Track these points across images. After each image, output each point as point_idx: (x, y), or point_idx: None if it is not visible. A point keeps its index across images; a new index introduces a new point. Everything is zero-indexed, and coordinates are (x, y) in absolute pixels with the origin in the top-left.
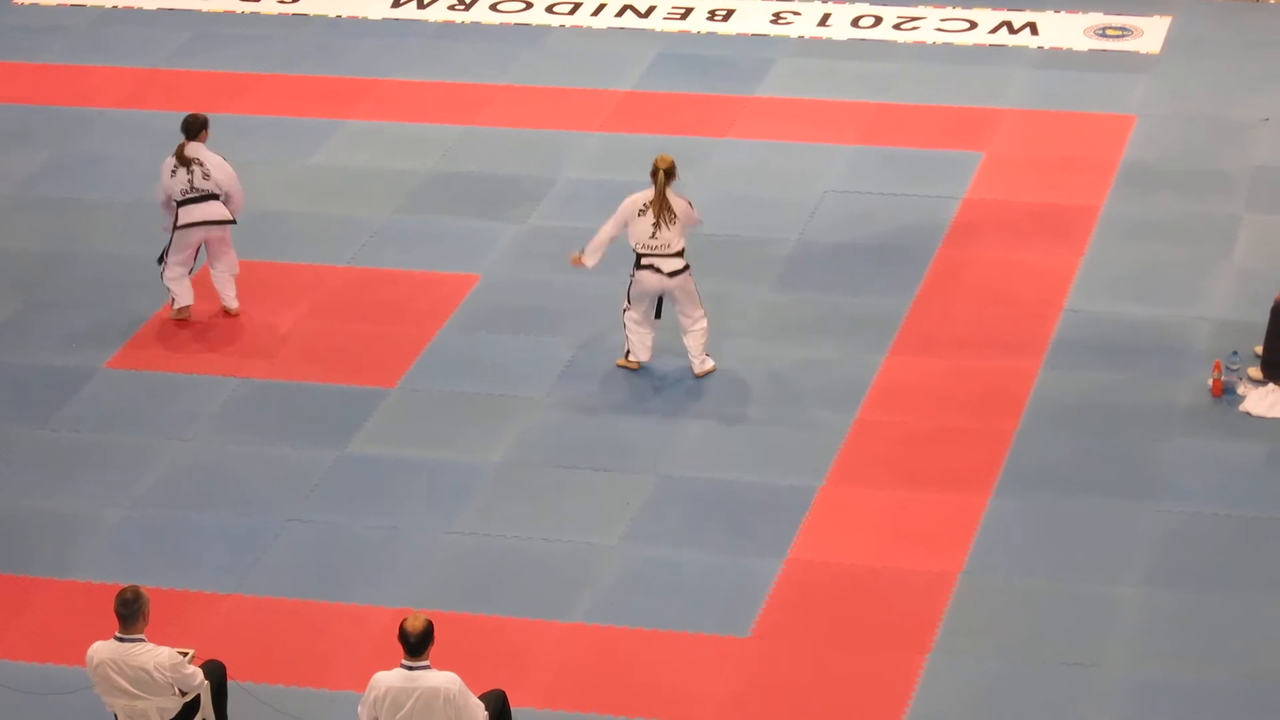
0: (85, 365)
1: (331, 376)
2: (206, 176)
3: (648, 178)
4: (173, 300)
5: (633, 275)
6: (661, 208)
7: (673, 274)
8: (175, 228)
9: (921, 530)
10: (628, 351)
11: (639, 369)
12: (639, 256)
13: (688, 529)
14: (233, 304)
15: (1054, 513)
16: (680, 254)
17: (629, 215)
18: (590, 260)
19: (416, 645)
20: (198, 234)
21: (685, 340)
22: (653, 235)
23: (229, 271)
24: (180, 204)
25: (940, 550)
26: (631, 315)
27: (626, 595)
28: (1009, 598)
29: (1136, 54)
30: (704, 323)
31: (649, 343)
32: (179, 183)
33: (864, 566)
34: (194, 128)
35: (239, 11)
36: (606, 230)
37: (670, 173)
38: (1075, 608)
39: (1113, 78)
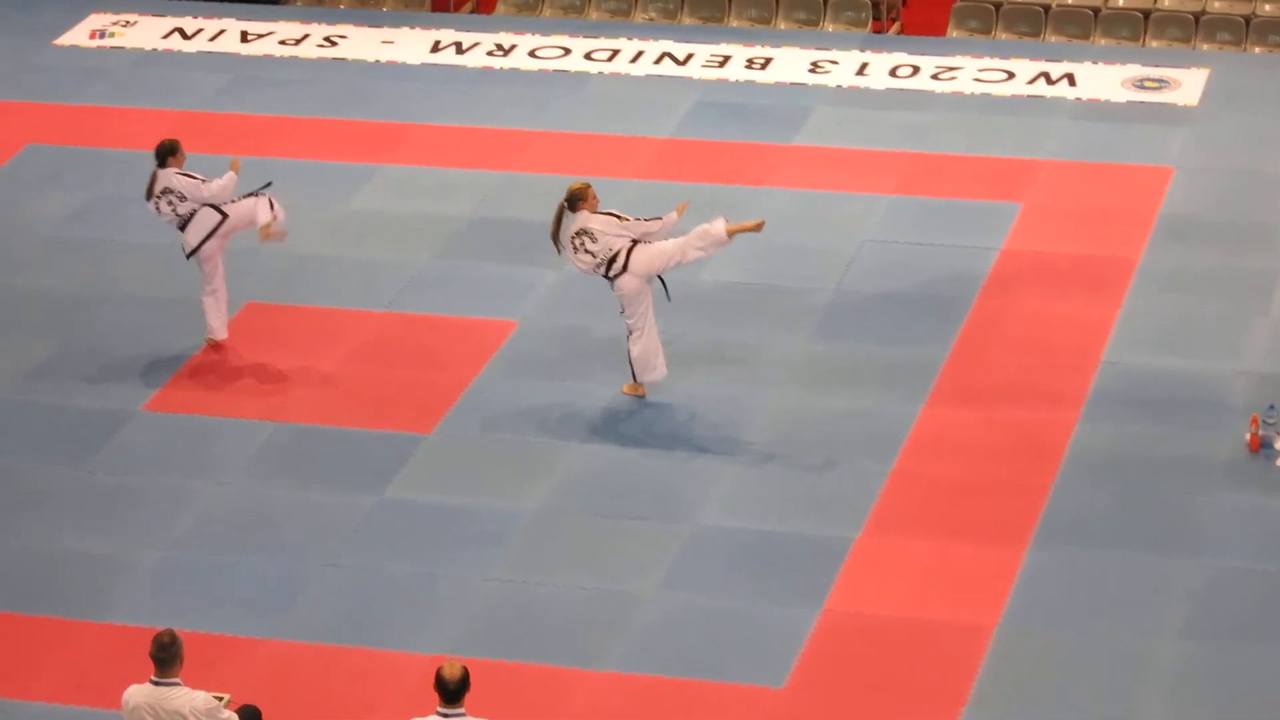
0: (122, 408)
1: (368, 421)
2: (183, 199)
3: (686, 224)
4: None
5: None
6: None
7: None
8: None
9: (958, 582)
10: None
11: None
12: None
13: (723, 578)
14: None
15: (1090, 566)
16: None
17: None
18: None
19: (454, 692)
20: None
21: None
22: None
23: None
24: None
25: (976, 603)
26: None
27: (661, 644)
28: (1045, 651)
29: (1174, 106)
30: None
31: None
32: (164, 216)
33: (900, 618)
34: (161, 155)
35: (278, 55)
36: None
37: (570, 201)
38: (1111, 662)
39: (1150, 129)
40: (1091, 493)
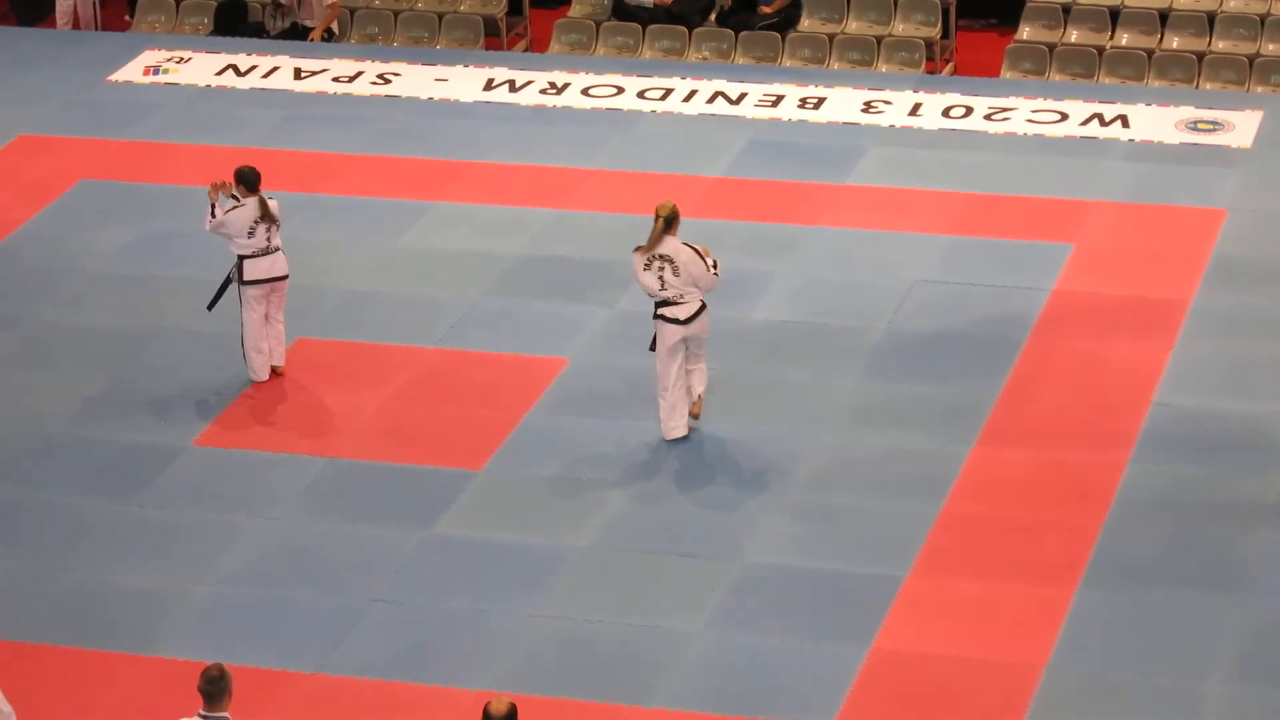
0: (173, 443)
1: (419, 458)
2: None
3: (739, 263)
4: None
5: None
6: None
7: (688, 320)
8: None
9: (1007, 622)
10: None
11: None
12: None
13: (772, 616)
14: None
15: (1141, 607)
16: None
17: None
18: None
19: None
20: (265, 289)
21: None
22: (661, 286)
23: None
24: (247, 257)
25: (1025, 643)
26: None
27: (710, 681)
28: (1094, 692)
29: (1228, 148)
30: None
31: (682, 419)
32: (257, 241)
33: (949, 657)
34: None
35: (331, 93)
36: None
37: (670, 220)
38: (1161, 703)
39: (1204, 171)
40: (1142, 534)
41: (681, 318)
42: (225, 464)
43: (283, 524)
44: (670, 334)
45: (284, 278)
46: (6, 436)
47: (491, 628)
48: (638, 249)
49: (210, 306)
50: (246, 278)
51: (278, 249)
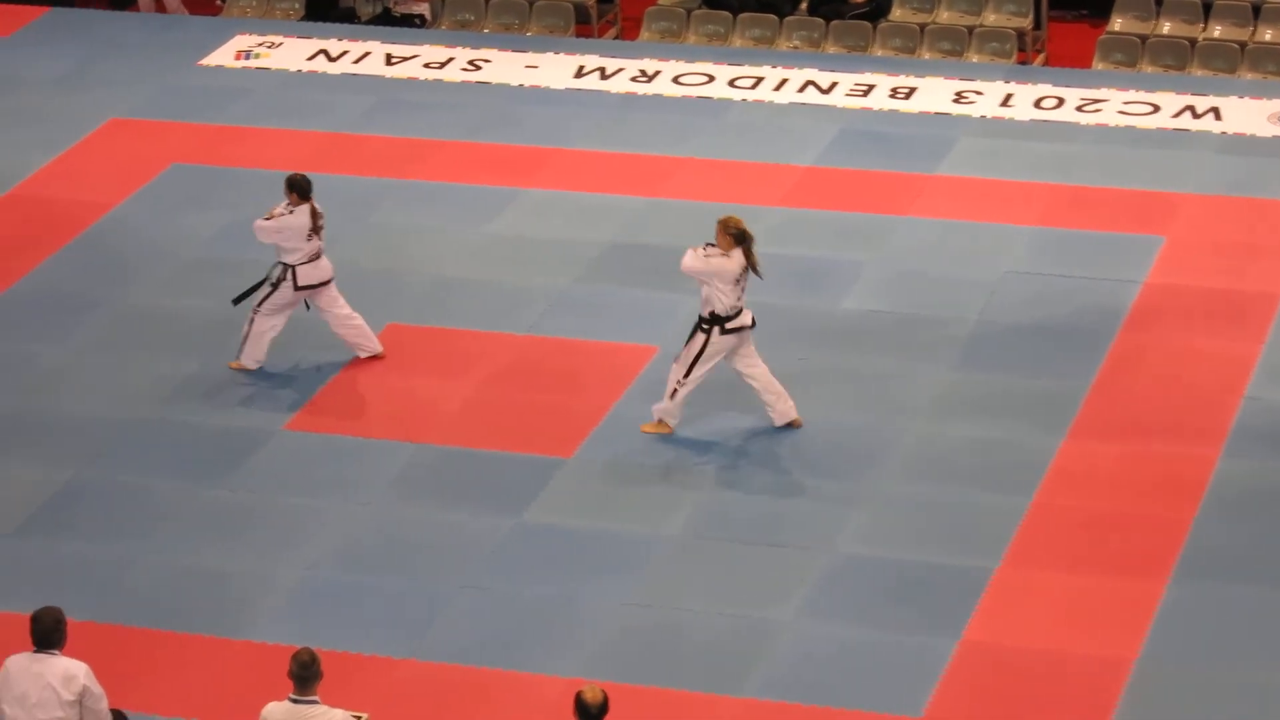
0: (263, 427)
1: (508, 445)
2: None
3: (828, 252)
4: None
5: (709, 339)
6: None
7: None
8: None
9: (1097, 615)
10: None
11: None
12: (722, 319)
13: (862, 606)
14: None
15: (1231, 601)
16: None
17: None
18: None
19: (594, 716)
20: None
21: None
22: (740, 297)
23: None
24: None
25: (1116, 636)
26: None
27: (800, 671)
28: (1184, 686)
29: None
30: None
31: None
32: (311, 247)
33: (1039, 650)
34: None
35: (422, 79)
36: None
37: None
38: (1251, 697)
39: None
40: (1232, 528)
41: (749, 323)
42: (315, 449)
43: (372, 509)
44: (734, 341)
45: (330, 279)
46: (97, 419)
47: (580, 615)
48: (739, 270)
49: (237, 301)
50: (301, 284)
51: (322, 252)
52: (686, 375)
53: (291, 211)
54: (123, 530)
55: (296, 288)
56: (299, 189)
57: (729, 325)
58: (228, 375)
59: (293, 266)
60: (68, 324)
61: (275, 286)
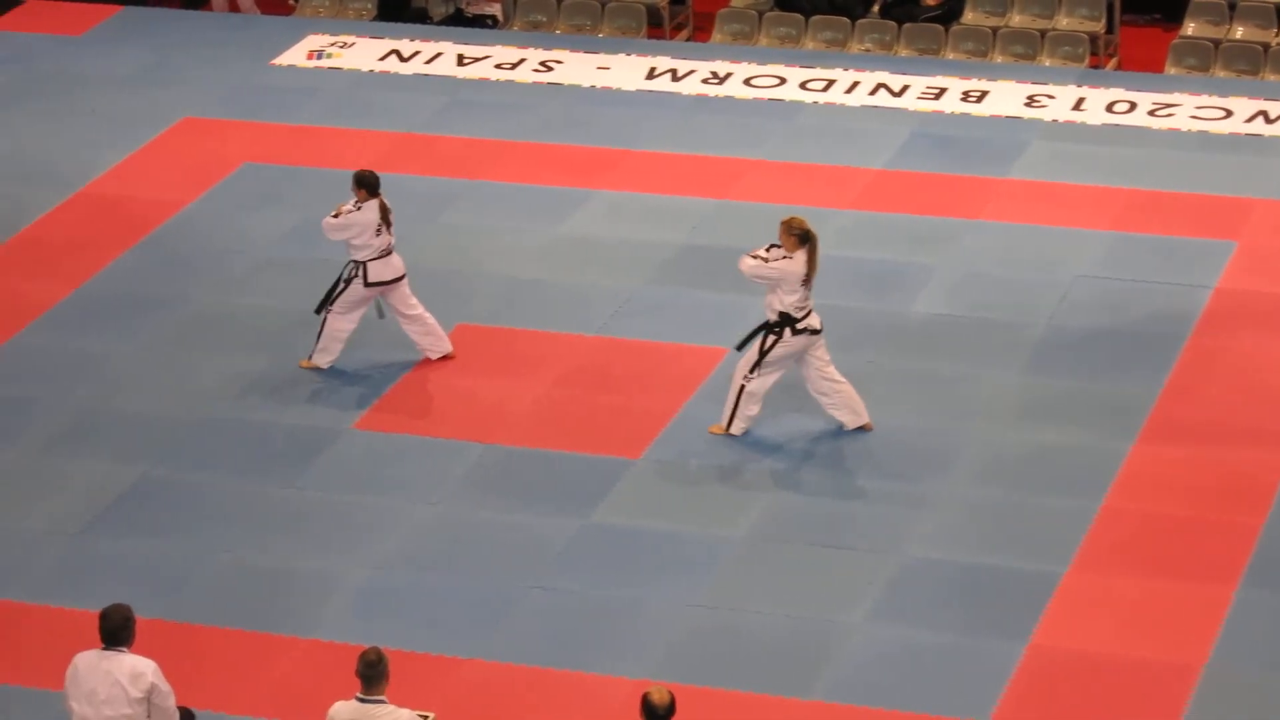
0: (332, 426)
1: (577, 445)
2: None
3: (899, 256)
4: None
5: (779, 340)
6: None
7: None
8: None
9: (1166, 620)
10: (730, 420)
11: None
12: (792, 320)
13: (930, 610)
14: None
15: None
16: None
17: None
18: None
19: (662, 718)
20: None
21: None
22: (807, 298)
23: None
24: (371, 260)
25: (1184, 641)
26: (756, 385)
27: (867, 674)
28: (1254, 691)
29: None
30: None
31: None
32: (380, 243)
33: (1107, 655)
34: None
35: (494, 79)
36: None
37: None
38: None
39: None
40: None
41: (818, 326)
42: (384, 448)
43: (441, 509)
44: (805, 343)
45: (403, 276)
46: (167, 417)
47: (648, 616)
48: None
49: (319, 310)
50: (371, 280)
51: (392, 249)
52: (751, 372)
53: (359, 208)
54: (191, 528)
55: (367, 284)
56: (367, 184)
57: (799, 326)
58: (297, 374)
59: (363, 263)
60: (138, 322)
61: (347, 284)
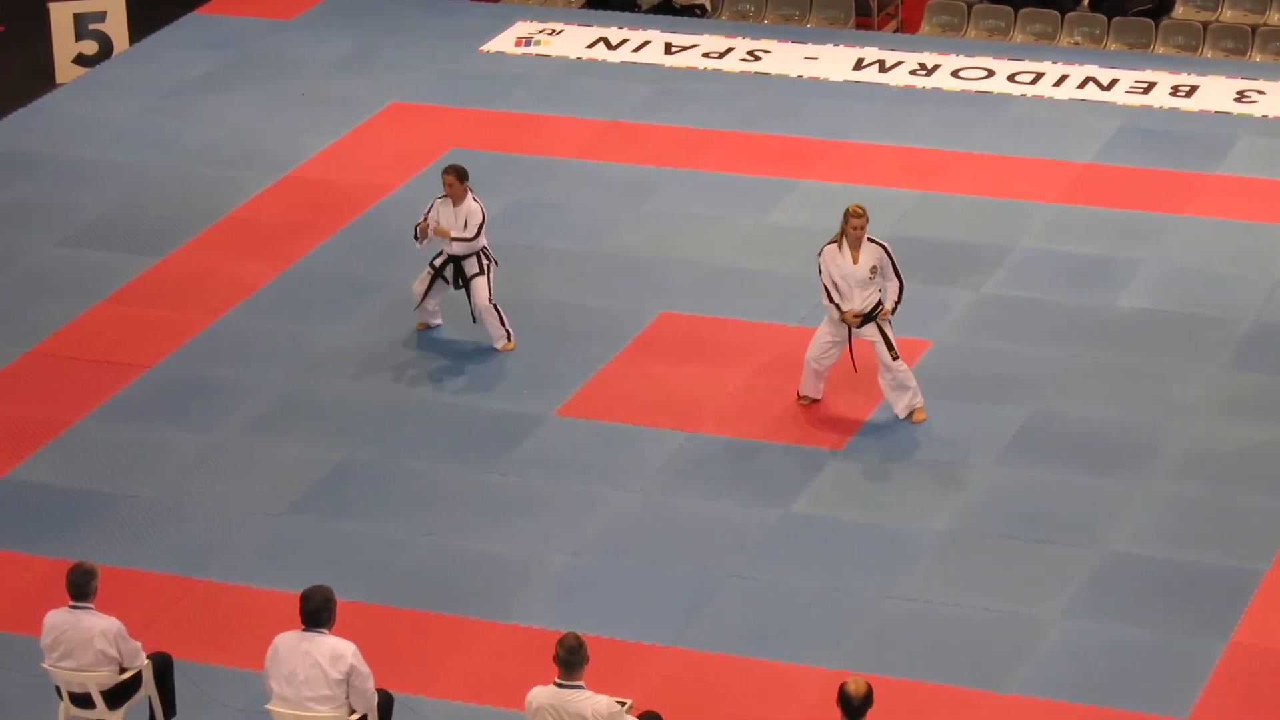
0: (535, 412)
1: (778, 435)
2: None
3: (1105, 249)
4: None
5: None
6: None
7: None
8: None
9: None
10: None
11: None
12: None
13: (1129, 605)
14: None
15: None
16: None
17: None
18: None
19: (858, 709)
20: None
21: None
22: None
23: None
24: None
25: None
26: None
27: (1064, 669)
28: None
29: None
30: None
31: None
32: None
33: None
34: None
35: (701, 68)
36: None
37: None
38: None
39: None
40: None
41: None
42: (586, 434)
43: (642, 497)
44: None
45: None
46: (373, 401)
47: (846, 607)
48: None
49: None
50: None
51: None
52: (895, 357)
53: (475, 200)
54: (394, 511)
55: (496, 262)
56: (463, 177)
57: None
58: (501, 358)
59: (485, 246)
60: (345, 305)
61: (496, 264)
